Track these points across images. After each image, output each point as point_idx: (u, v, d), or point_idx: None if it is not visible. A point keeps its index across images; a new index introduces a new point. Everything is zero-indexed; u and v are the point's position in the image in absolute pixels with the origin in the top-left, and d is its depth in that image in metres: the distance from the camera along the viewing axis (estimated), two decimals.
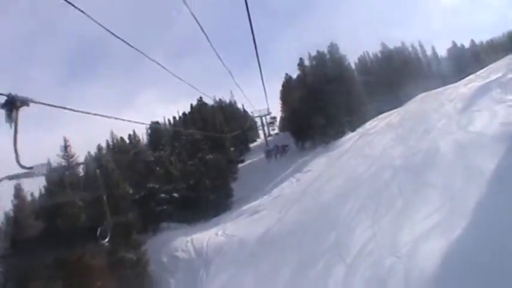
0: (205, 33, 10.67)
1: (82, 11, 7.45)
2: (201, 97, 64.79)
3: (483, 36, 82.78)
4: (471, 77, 56.94)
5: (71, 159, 42.08)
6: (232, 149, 57.56)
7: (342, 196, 31.89)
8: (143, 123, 40.03)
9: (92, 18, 7.74)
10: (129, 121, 11.34)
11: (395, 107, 57.28)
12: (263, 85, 18.66)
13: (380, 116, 56.55)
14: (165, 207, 42.56)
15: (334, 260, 24.60)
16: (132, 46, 9.67)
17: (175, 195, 43.92)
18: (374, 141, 43.79)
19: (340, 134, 54.71)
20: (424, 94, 58.34)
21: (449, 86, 57.58)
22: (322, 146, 53.86)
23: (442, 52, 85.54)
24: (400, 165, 32.48)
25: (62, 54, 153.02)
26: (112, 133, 49.93)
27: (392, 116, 53.07)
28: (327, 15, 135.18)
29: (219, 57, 13.09)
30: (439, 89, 57.85)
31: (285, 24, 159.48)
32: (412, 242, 21.32)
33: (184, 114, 67.71)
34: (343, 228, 27.10)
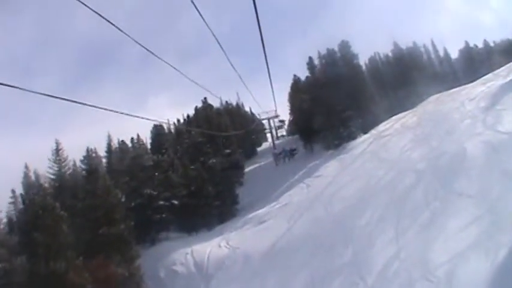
0: (214, 35, 10.33)
1: (99, 14, 7.64)
2: (205, 98, 61.32)
3: (496, 37, 79.46)
4: (489, 76, 54.56)
5: (63, 163, 39.20)
6: (227, 151, 53.48)
7: (358, 204, 28.49)
8: (154, 120, 36.86)
9: (108, 20, 7.93)
10: (135, 116, 11.18)
11: (408, 108, 54.62)
12: (271, 85, 16.67)
13: (394, 117, 53.71)
14: (163, 215, 39.23)
15: (352, 279, 21.21)
16: (147, 49, 9.98)
17: (175, 202, 40.63)
18: (390, 143, 40.76)
19: (352, 136, 51.49)
20: (439, 94, 55.99)
21: (465, 85, 55.13)
22: (333, 149, 50.77)
23: (455, 52, 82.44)
24: (423, 170, 29.03)
25: (71, 57, 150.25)
26: (109, 136, 46.75)
27: (407, 117, 50.36)
28: (337, 17, 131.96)
29: (227, 58, 12.52)
30: (455, 89, 55.73)
31: (294, 28, 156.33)
32: (447, 262, 17.78)
33: (188, 116, 64.49)
34: (361, 242, 23.64)
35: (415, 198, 25.35)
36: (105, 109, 9.41)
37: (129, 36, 9.18)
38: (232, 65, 13.78)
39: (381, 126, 51.42)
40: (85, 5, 7.28)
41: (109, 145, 46.56)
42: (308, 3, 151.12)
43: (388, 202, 26.58)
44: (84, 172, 36.88)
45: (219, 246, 33.63)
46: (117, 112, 10.06)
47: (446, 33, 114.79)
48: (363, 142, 47.53)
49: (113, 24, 8.33)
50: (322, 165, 45.53)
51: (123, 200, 34.86)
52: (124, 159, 44.81)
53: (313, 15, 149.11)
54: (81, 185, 35.11)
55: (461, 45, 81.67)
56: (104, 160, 47.03)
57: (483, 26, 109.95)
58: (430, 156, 30.98)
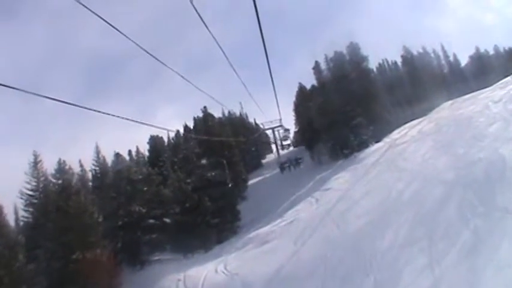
0: (218, 43, 10.37)
1: (111, 25, 8.10)
2: (205, 107, 57.15)
3: (506, 43, 76.97)
4: (508, 79, 52.69)
5: (42, 178, 35.10)
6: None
7: (378, 222, 24.02)
8: (159, 128, 33.53)
9: (120, 31, 8.45)
10: (139, 123, 11.28)
11: (420, 115, 52.55)
12: (274, 92, 15.62)
13: (408, 125, 50.40)
14: (154, 235, 34.85)
15: None
16: (158, 59, 10.47)
17: (167, 220, 36.33)
18: (408, 151, 36.89)
19: (364, 144, 47.65)
20: (453, 100, 54.64)
21: (482, 90, 53.17)
22: (343, 159, 46.85)
23: (465, 58, 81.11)
24: (452, 180, 24.60)
25: (78, 71, 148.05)
26: (97, 147, 42.45)
27: (423, 124, 47.34)
28: (344, 24, 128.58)
29: (230, 63, 12.54)
30: (473, 93, 53.73)
31: (300, 36, 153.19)
32: None
33: (186, 126, 60.50)
34: (385, 270, 19.05)
35: (448, 215, 20.83)
36: (108, 114, 9.36)
37: (142, 48, 9.39)
38: (234, 70, 13.33)
39: (395, 134, 48.17)
40: (99, 17, 7.48)
41: (97, 157, 42.25)
42: (315, 12, 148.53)
43: (414, 220, 22.11)
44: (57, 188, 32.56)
45: (216, 271, 29.33)
46: (120, 117, 9.83)
47: (456, 39, 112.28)
48: (376, 151, 44.04)
49: (127, 37, 8.73)
50: (331, 177, 41.82)
51: (100, 219, 30.50)
52: (114, 172, 40.79)
53: (320, 25, 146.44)
54: (52, 202, 30.86)
55: (472, 51, 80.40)
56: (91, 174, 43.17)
57: (493, 31, 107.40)
58: (459, 165, 26.62)
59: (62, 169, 32.68)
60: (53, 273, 25.43)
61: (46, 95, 7.54)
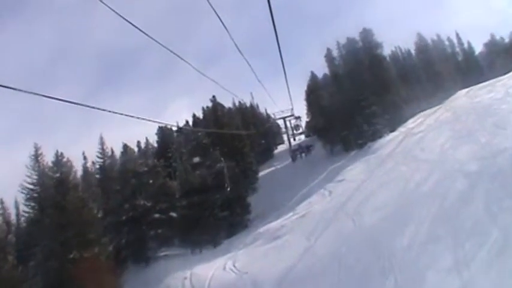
0: (228, 32, 9.92)
1: (124, 18, 8.07)
2: (214, 96, 55.50)
3: None
4: None
5: (43, 171, 33.82)
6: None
7: (396, 217, 22.30)
8: (169, 124, 32.55)
9: (132, 24, 8.35)
10: (143, 119, 10.51)
11: (434, 104, 51.35)
12: (285, 77, 15.33)
13: (423, 113, 49.01)
14: (160, 230, 33.40)
15: None
16: (171, 51, 10.51)
17: (174, 214, 34.88)
18: (425, 141, 35.42)
19: (378, 134, 46.02)
20: (468, 89, 53.58)
21: (500, 77, 52.06)
22: (357, 149, 45.35)
23: (480, 46, 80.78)
24: (476, 171, 22.92)
25: (90, 65, 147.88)
26: (101, 139, 41.15)
27: (439, 112, 46.06)
28: (356, 16, 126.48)
29: (241, 54, 12.41)
30: (489, 81, 52.51)
31: (312, 28, 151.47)
32: None
33: (195, 116, 59.29)
34: (406, 270, 17.33)
35: (473, 210, 19.09)
36: (105, 110, 8.97)
37: (156, 40, 9.46)
38: (242, 54, 12.85)
39: (410, 123, 46.67)
40: (112, 10, 7.52)
41: (102, 149, 40.99)
42: (327, 2, 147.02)
43: (436, 214, 20.40)
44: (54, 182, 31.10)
45: (224, 268, 27.75)
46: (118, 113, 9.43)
47: (471, 26, 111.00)
48: (391, 141, 42.48)
49: (144, 32, 8.69)
50: (345, 168, 40.32)
51: (100, 215, 29.13)
52: (120, 165, 39.58)
53: (332, 16, 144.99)
54: (49, 197, 29.42)
55: (487, 38, 79.93)
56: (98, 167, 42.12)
57: (509, 18, 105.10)
58: (482, 155, 24.99)
59: (59, 162, 31.32)
60: (50, 273, 24.12)
61: (48, 95, 7.23)
